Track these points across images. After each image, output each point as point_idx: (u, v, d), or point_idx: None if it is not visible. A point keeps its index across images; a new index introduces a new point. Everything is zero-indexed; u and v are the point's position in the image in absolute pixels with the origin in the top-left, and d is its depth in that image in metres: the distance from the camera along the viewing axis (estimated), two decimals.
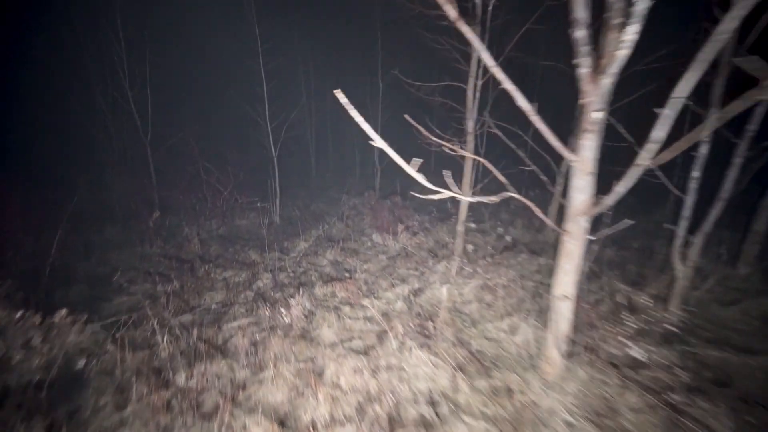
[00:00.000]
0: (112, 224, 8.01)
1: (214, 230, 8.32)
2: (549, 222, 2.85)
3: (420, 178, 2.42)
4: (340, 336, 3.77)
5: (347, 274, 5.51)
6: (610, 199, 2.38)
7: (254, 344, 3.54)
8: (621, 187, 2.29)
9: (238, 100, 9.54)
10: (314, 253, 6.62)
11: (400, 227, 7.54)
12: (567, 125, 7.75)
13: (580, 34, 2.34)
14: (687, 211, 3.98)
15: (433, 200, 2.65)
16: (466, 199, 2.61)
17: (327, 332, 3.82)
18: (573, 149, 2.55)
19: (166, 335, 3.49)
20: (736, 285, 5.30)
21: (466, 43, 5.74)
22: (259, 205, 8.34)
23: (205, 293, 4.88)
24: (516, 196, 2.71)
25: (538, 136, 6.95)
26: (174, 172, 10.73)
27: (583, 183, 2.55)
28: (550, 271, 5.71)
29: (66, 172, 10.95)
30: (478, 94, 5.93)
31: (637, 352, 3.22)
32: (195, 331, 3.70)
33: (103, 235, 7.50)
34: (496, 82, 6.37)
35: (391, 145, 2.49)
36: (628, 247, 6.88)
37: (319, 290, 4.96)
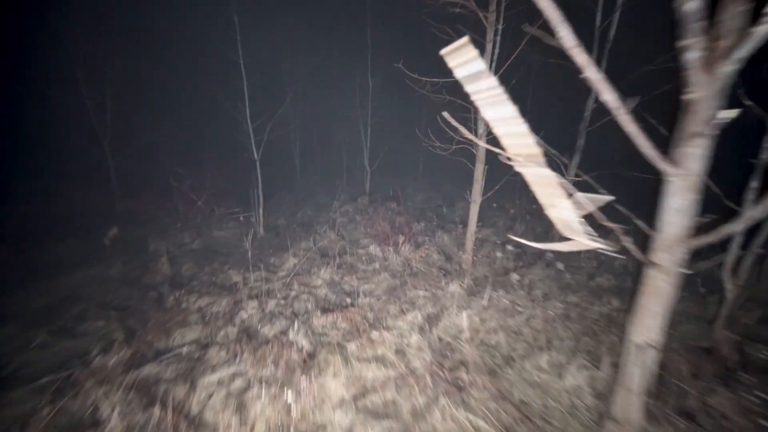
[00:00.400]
0: (61, 242, 6.79)
1: (187, 244, 7.27)
2: (639, 255, 2.23)
3: (574, 223, 1.68)
4: (350, 389, 3.01)
5: (348, 299, 4.74)
6: (737, 225, 1.79)
7: (240, 409, 2.72)
8: (757, 212, 1.69)
9: (218, 96, 8.52)
10: (306, 271, 5.79)
11: (401, 238, 6.84)
12: (572, 128, 7.37)
13: (692, 5, 1.73)
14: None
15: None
16: (613, 252, 1.92)
17: (333, 384, 3.05)
18: (673, 160, 1.95)
19: (117, 406, 2.59)
20: (765, 298, 5.00)
21: (479, 32, 5.14)
22: (241, 218, 7.36)
23: (175, 331, 3.96)
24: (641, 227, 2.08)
25: (546, 138, 6.42)
26: (141, 179, 9.51)
27: (685, 203, 1.95)
28: (572, 288, 5.20)
29: (7, 179, 9.46)
30: None
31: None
32: (159, 394, 2.82)
33: (49, 255, 6.30)
34: (509, 79, 5.77)
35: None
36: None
37: (317, 321, 4.16)
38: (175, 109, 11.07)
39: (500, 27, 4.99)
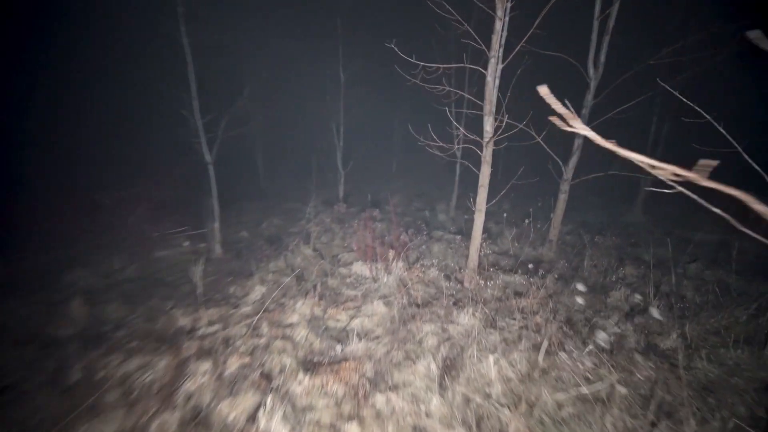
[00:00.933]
0: None
1: (116, 273, 5.66)
2: None
3: None
4: None
5: (338, 345, 3.64)
6: None
7: None
8: None
9: (159, 85, 6.89)
10: (278, 303, 4.57)
11: (391, 253, 5.85)
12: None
13: None
14: None
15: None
16: None
17: None
18: None
19: None
20: None
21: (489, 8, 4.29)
22: (185, 244, 5.87)
23: (80, 428, 2.61)
24: None
25: (548, 137, 5.76)
26: (60, 190, 7.50)
27: None
28: (597, 306, 4.55)
29: None
30: (497, 82, 4.54)
31: None
32: None
33: None
34: (516, 67, 5.00)
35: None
36: (640, 258, 6.16)
37: (299, 387, 3.03)
38: (103, 102, 9.01)
39: (509, 4, 4.18)
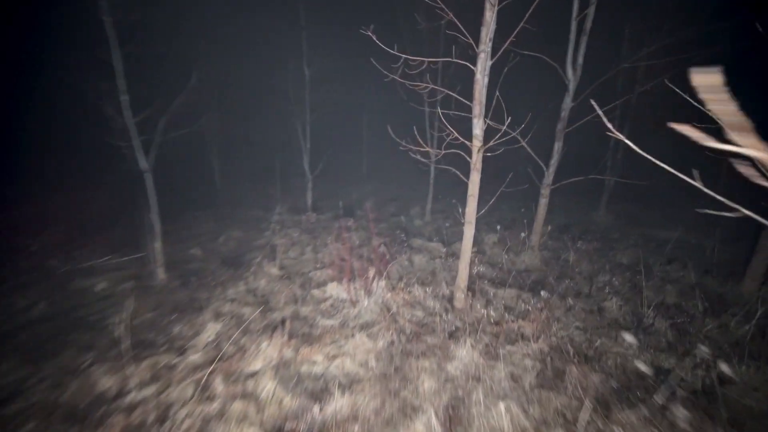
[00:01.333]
0: None
1: (18, 314, 4.38)
2: None
3: None
4: None
5: (315, 406, 2.90)
6: None
7: None
8: None
9: (75, 73, 5.57)
10: (237, 345, 3.72)
11: (371, 270, 5.19)
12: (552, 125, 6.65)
13: None
14: None
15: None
16: None
17: None
18: None
19: None
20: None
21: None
22: (102, 285, 4.72)
23: None
24: None
25: (534, 140, 5.42)
26: None
27: None
28: (593, 318, 4.27)
29: None
30: (487, 80, 4.07)
31: None
32: None
33: None
34: (506, 62, 4.54)
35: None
36: (622, 263, 6.12)
37: None
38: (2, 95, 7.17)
39: None
